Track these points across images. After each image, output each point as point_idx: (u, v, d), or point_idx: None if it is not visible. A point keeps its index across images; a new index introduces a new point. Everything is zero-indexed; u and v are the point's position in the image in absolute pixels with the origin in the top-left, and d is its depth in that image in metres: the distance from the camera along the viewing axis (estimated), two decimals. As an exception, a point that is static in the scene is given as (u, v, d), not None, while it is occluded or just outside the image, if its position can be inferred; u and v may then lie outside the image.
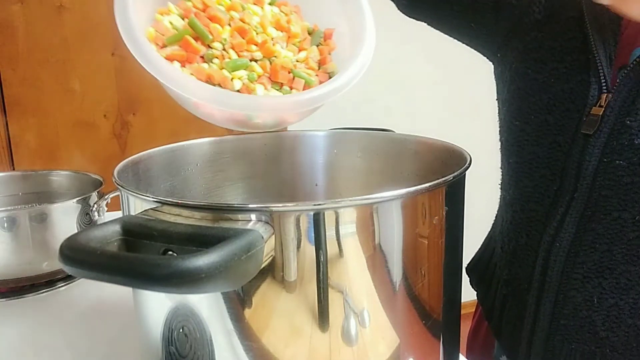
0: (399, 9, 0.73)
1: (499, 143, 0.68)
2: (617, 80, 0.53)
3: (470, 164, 0.47)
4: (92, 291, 0.78)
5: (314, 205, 0.38)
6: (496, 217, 0.72)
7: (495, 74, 0.70)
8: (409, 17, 0.73)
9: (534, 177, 0.59)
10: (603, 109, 0.53)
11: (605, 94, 0.53)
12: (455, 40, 0.73)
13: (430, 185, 0.41)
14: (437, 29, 0.73)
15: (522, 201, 0.61)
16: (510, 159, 0.63)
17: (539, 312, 0.59)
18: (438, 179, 0.42)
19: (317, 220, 0.37)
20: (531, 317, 0.60)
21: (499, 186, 0.69)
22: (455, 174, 0.43)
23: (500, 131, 0.66)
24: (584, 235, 0.55)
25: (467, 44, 0.72)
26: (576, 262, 0.56)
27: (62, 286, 0.79)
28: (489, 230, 0.76)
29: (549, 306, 0.58)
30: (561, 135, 0.56)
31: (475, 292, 0.74)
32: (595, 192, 0.54)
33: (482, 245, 0.76)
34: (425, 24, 0.73)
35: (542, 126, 0.58)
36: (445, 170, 0.46)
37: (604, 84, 0.53)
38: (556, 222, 0.57)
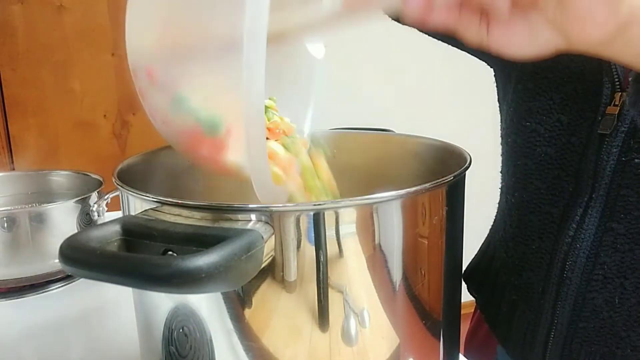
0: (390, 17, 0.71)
1: (500, 146, 0.67)
2: (630, 79, 0.52)
3: (470, 164, 0.47)
4: (92, 291, 0.78)
5: (314, 205, 0.38)
6: (495, 222, 0.71)
7: (496, 78, 0.69)
8: (403, 24, 0.71)
9: (547, 178, 0.58)
10: (618, 107, 0.52)
11: (620, 93, 0.53)
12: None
13: (430, 185, 0.41)
14: (433, 36, 0.71)
15: (532, 204, 0.60)
16: (518, 160, 0.61)
17: (556, 315, 0.58)
18: (438, 179, 0.42)
19: (317, 220, 0.37)
20: (547, 321, 0.59)
21: (499, 190, 0.68)
22: (455, 174, 0.43)
23: (504, 134, 0.65)
24: (604, 236, 0.54)
25: (466, 51, 0.71)
26: (597, 263, 0.55)
27: (61, 286, 0.79)
28: (486, 236, 0.74)
29: (567, 309, 0.57)
30: (575, 135, 0.55)
31: (475, 299, 0.73)
32: (613, 191, 0.53)
33: (478, 251, 0.75)
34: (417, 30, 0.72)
35: (555, 126, 0.57)
36: (445, 170, 0.46)
37: (617, 83, 0.53)
38: (575, 224, 0.56)
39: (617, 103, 0.53)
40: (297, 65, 0.48)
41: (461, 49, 0.70)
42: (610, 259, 0.54)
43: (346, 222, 0.38)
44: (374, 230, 0.39)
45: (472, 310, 0.78)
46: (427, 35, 0.71)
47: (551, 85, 0.58)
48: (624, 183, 0.52)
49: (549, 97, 0.57)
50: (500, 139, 0.67)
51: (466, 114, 2.10)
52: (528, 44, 0.38)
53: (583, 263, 0.55)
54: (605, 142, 0.53)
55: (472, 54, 0.70)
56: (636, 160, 0.51)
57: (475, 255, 0.75)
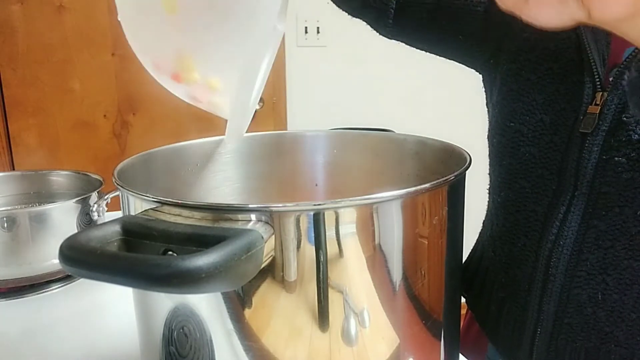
0: (380, 33, 0.73)
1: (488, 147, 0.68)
2: (611, 79, 0.54)
3: (470, 164, 0.47)
4: (92, 291, 0.78)
5: (314, 205, 0.38)
6: (484, 223, 0.72)
7: (484, 82, 0.70)
8: (391, 39, 0.73)
9: (531, 177, 0.59)
10: (600, 107, 0.53)
11: (600, 93, 0.54)
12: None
13: (430, 185, 0.41)
14: (420, 48, 0.73)
15: (518, 203, 0.61)
16: (503, 160, 0.63)
17: (542, 312, 0.59)
18: (438, 179, 0.42)
19: (317, 220, 0.37)
20: (533, 318, 0.60)
21: (487, 191, 0.69)
22: (456, 173, 0.44)
23: (489, 135, 0.66)
24: (586, 233, 0.55)
25: (453, 59, 0.72)
26: (580, 259, 0.56)
27: (61, 286, 0.79)
28: (477, 237, 0.75)
29: (552, 305, 0.58)
30: (557, 134, 0.57)
31: (465, 298, 0.74)
32: (595, 189, 0.54)
33: (469, 253, 0.76)
34: (408, 44, 0.74)
35: (538, 126, 0.58)
36: (445, 170, 0.46)
37: (598, 83, 0.54)
38: (558, 221, 0.57)
39: (598, 102, 0.54)
40: (254, 35, 0.49)
41: (450, 58, 0.72)
42: (592, 256, 0.55)
43: (346, 222, 0.38)
44: (374, 230, 0.39)
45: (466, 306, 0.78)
46: (418, 50, 0.73)
47: (534, 86, 0.59)
48: (605, 181, 0.54)
49: (532, 98, 0.59)
50: (487, 140, 0.68)
51: (466, 114, 2.10)
52: (556, 16, 0.41)
53: (567, 260, 0.57)
54: (587, 141, 0.54)
55: (460, 62, 0.72)
56: (616, 158, 0.53)
57: (467, 258, 0.76)
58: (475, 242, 0.75)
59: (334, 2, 0.71)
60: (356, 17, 0.72)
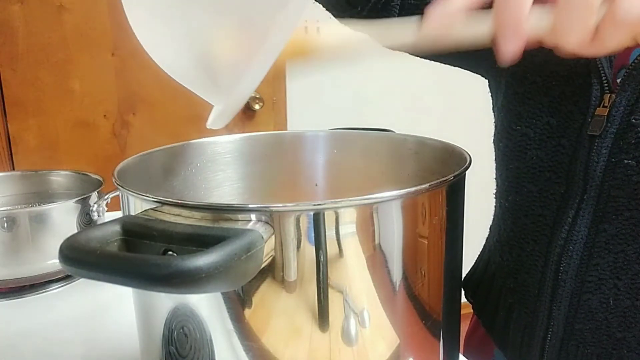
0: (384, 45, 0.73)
1: (494, 151, 0.67)
2: (619, 80, 0.53)
3: (470, 164, 0.47)
4: (92, 291, 0.78)
5: (314, 205, 0.38)
6: (491, 228, 0.71)
7: (490, 87, 0.70)
8: (394, 49, 0.73)
9: (539, 181, 0.58)
10: (608, 109, 0.53)
11: (608, 95, 0.53)
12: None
13: (430, 185, 0.41)
14: (424, 57, 0.72)
15: (525, 207, 0.60)
16: (510, 165, 0.62)
17: (552, 317, 0.58)
18: (438, 179, 0.42)
19: (317, 220, 0.37)
20: (543, 323, 0.59)
21: (494, 196, 0.69)
22: (456, 174, 0.44)
23: (496, 139, 0.66)
24: (596, 237, 0.55)
25: (458, 66, 0.72)
26: (590, 264, 0.55)
27: (61, 286, 0.79)
28: (484, 242, 0.75)
29: (563, 311, 0.57)
30: (565, 137, 0.56)
31: (471, 305, 0.74)
32: (604, 192, 0.54)
33: (476, 259, 0.76)
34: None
35: (545, 129, 0.58)
36: (445, 170, 0.46)
37: (605, 85, 0.54)
38: (567, 226, 0.56)
39: (606, 104, 0.53)
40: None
41: (455, 66, 0.72)
42: (603, 260, 0.55)
43: (346, 222, 0.38)
44: (374, 230, 0.39)
45: (472, 310, 0.78)
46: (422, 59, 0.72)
47: (540, 89, 0.58)
48: (614, 184, 0.53)
49: (538, 101, 0.58)
50: (493, 144, 0.67)
51: (466, 114, 2.10)
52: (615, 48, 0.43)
53: (577, 265, 0.56)
54: (595, 144, 0.53)
55: (465, 69, 0.71)
56: (626, 161, 0.52)
57: (474, 263, 0.76)
58: (482, 249, 0.75)
59: (336, 18, 0.70)
60: (358, 31, 0.72)
